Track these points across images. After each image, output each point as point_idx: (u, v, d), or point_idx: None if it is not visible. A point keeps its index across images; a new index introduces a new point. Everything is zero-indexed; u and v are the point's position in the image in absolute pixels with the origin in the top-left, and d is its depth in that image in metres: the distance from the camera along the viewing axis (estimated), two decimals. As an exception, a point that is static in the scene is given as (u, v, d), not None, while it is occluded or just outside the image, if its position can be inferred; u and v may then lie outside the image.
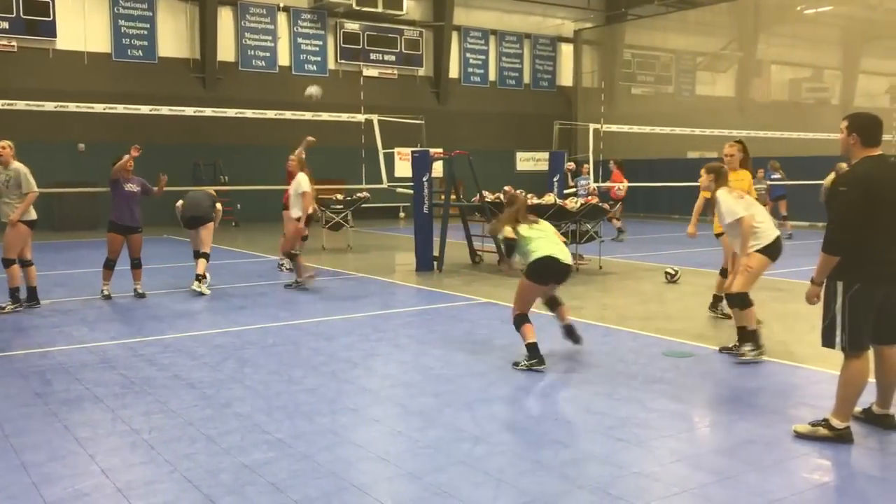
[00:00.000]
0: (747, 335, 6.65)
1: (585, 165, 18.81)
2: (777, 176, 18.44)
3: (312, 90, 12.72)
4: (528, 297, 6.54)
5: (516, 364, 6.40)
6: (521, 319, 6.49)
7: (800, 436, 4.75)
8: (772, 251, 6.73)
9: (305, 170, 10.78)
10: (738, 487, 4.03)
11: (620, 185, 17.68)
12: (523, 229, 6.58)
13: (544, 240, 6.57)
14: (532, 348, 6.34)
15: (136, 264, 9.94)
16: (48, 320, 8.49)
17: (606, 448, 4.61)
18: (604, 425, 5.02)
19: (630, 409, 5.36)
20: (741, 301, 6.67)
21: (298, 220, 10.48)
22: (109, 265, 9.77)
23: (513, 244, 6.65)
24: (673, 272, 11.26)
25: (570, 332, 6.93)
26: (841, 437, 4.65)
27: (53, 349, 7.14)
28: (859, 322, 4.58)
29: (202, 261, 10.31)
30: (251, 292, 10.42)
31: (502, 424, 5.07)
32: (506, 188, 12.95)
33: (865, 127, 4.63)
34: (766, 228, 6.78)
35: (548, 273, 6.50)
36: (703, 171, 6.93)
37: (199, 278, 10.18)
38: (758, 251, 6.66)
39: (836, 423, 4.68)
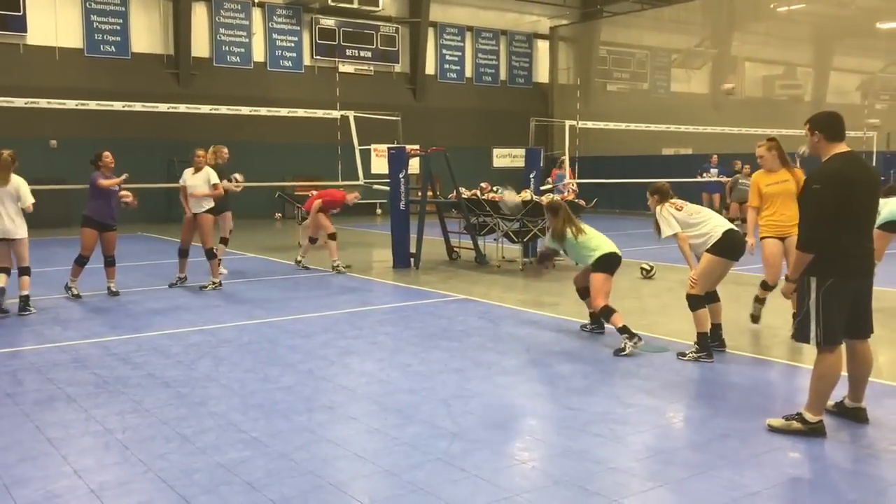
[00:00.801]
0: (701, 339, 6.53)
1: (562, 158, 18.88)
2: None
3: None
4: (607, 287, 7.16)
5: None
6: (610, 310, 6.99)
7: (773, 430, 4.79)
8: (721, 249, 6.45)
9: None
10: (714, 481, 4.06)
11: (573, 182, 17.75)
12: (578, 233, 7.32)
13: (600, 238, 7.40)
14: (626, 330, 6.76)
15: (110, 262, 9.83)
16: (19, 319, 8.37)
17: (583, 444, 4.63)
18: (580, 421, 5.04)
19: (606, 404, 5.38)
20: (691, 303, 6.56)
21: (210, 211, 10.27)
22: (82, 262, 9.65)
23: (553, 250, 7.62)
24: (648, 268, 11.33)
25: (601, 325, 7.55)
26: (814, 431, 4.70)
27: (24, 348, 7.04)
28: (833, 317, 4.62)
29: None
30: (225, 290, 10.34)
31: (479, 421, 5.07)
32: (482, 184, 12.99)
33: (826, 124, 4.72)
34: (710, 230, 6.54)
35: (614, 266, 7.27)
36: (648, 194, 7.03)
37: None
38: (706, 251, 6.51)
39: (809, 416, 4.72)
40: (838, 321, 4.65)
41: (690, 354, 6.54)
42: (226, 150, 11.95)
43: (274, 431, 4.82)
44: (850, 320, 4.70)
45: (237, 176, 11.91)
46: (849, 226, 4.58)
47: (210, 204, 10.34)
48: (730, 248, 6.48)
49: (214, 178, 10.32)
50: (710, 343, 6.58)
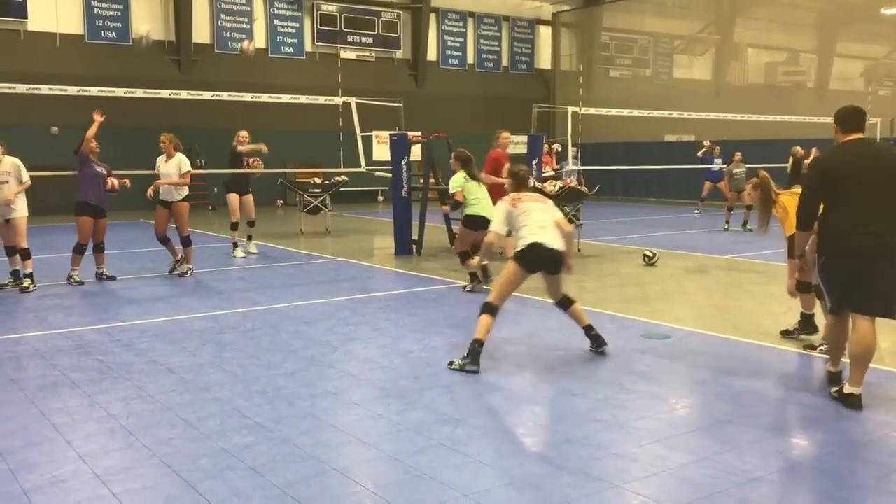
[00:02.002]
0: (472, 346, 5.99)
1: (555, 145, 18.78)
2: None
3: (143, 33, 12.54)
4: (470, 239, 7.45)
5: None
6: (467, 255, 7.36)
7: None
8: (519, 259, 6.06)
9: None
10: (716, 467, 4.08)
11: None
12: (468, 181, 7.51)
13: (484, 200, 7.59)
14: (474, 278, 7.18)
15: (100, 248, 9.94)
16: (23, 305, 8.39)
17: (585, 430, 4.64)
18: (583, 407, 5.05)
19: (608, 390, 5.40)
20: (483, 308, 6.13)
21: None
22: (81, 250, 9.70)
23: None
24: (651, 255, 11.32)
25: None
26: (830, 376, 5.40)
27: (28, 335, 7.06)
28: (830, 289, 5.16)
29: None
30: (229, 276, 10.36)
31: (482, 407, 5.08)
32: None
33: (841, 117, 5.16)
34: (524, 236, 6.11)
35: (476, 226, 7.43)
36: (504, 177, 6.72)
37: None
38: (511, 258, 6.20)
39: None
40: (835, 294, 5.12)
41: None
42: (244, 134, 12.42)
43: (278, 417, 4.84)
44: (846, 293, 5.06)
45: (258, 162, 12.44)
46: (835, 208, 4.99)
47: (185, 192, 10.23)
48: (529, 260, 6.06)
49: (186, 166, 10.19)
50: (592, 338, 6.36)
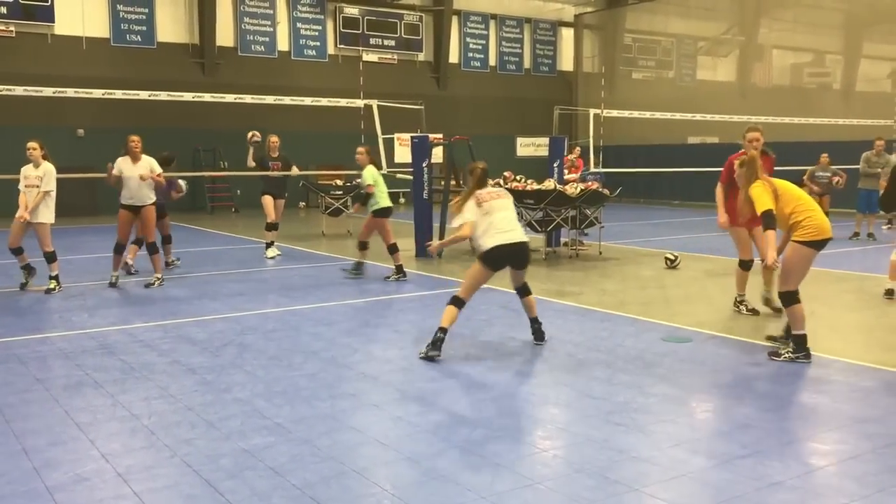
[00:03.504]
0: (437, 335, 6.25)
1: (576, 147, 18.71)
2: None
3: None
4: (372, 226, 7.93)
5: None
6: (365, 244, 8.30)
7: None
8: (485, 260, 6.25)
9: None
10: (736, 471, 4.05)
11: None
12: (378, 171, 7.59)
13: (385, 192, 8.03)
14: (358, 265, 7.90)
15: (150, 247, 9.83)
16: (48, 306, 8.50)
17: (605, 433, 4.63)
18: (602, 410, 5.03)
19: (628, 393, 5.37)
20: (452, 301, 6.35)
21: (154, 204, 9.67)
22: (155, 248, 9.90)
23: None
24: (673, 258, 11.25)
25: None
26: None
27: (53, 335, 7.16)
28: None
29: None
30: (250, 278, 10.43)
31: (500, 409, 5.08)
32: (506, 174, 12.96)
33: None
34: (489, 236, 6.25)
35: (387, 214, 8.07)
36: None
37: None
38: (477, 258, 6.32)
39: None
40: None
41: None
42: (275, 139, 12.61)
43: (297, 418, 4.87)
44: None
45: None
46: None
47: (153, 197, 9.69)
48: (493, 260, 6.26)
49: (157, 168, 9.66)
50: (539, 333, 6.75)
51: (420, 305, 8.60)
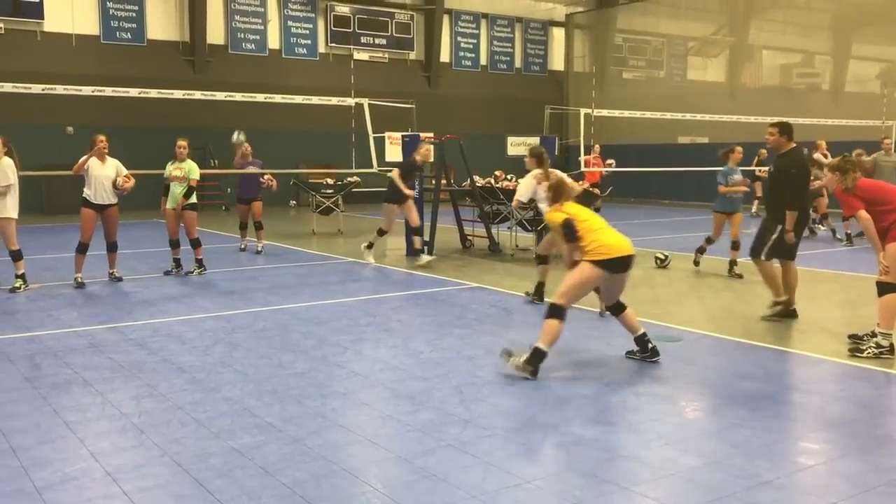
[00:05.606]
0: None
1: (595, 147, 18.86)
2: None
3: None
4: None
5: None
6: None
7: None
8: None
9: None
10: (726, 470, 4.06)
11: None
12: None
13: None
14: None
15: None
16: (37, 304, 8.45)
17: (595, 432, 4.63)
18: (593, 409, 5.04)
19: (619, 393, 5.39)
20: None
21: (116, 205, 9.67)
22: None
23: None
24: (663, 257, 11.28)
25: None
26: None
27: (42, 333, 7.12)
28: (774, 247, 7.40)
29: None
30: (240, 276, 10.40)
31: (491, 408, 5.09)
32: (496, 172, 12.97)
33: (788, 128, 7.49)
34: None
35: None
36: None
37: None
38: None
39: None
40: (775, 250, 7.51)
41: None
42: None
43: (287, 417, 4.86)
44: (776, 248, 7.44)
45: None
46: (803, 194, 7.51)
47: (116, 199, 9.65)
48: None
49: (123, 170, 9.64)
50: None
51: (410, 304, 8.60)
